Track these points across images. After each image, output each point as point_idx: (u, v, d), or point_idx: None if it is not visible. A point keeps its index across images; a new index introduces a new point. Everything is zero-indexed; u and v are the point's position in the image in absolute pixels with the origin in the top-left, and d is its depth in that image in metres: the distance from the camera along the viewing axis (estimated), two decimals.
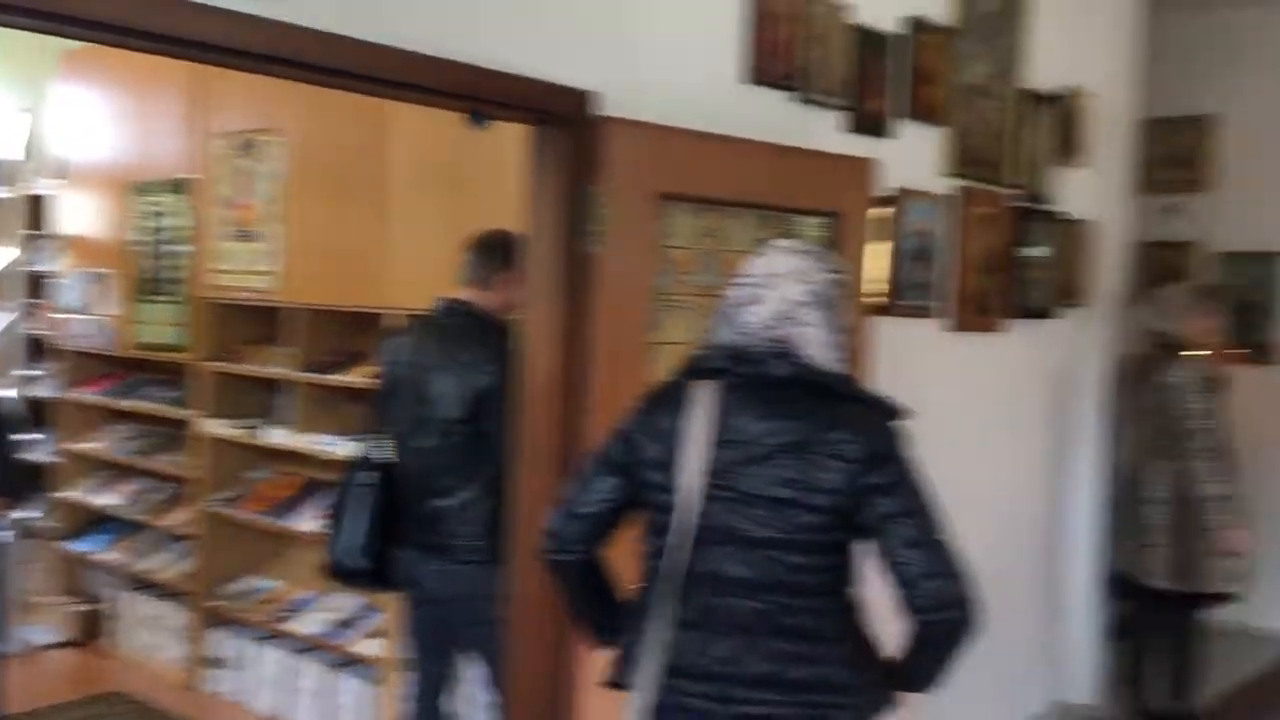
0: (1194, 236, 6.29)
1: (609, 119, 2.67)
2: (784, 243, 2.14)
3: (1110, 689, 4.87)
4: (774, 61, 3.22)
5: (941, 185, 3.94)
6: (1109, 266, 4.88)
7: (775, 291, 1.97)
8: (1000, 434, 4.37)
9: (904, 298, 3.79)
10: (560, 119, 2.66)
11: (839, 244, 3.18)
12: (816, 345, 1.95)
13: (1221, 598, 4.47)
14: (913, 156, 3.78)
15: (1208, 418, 4.36)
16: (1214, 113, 6.24)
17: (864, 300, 3.36)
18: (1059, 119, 4.46)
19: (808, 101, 3.33)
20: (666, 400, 2.03)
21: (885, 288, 3.69)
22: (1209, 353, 4.51)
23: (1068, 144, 4.53)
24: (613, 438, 2.09)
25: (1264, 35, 6.09)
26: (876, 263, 3.56)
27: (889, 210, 3.65)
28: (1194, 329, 4.48)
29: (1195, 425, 4.33)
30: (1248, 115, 6.14)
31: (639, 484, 2.01)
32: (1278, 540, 5.78)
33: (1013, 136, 4.24)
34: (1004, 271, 4.24)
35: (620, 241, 2.68)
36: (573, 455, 2.60)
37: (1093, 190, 4.72)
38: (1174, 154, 6.26)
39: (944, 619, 1.90)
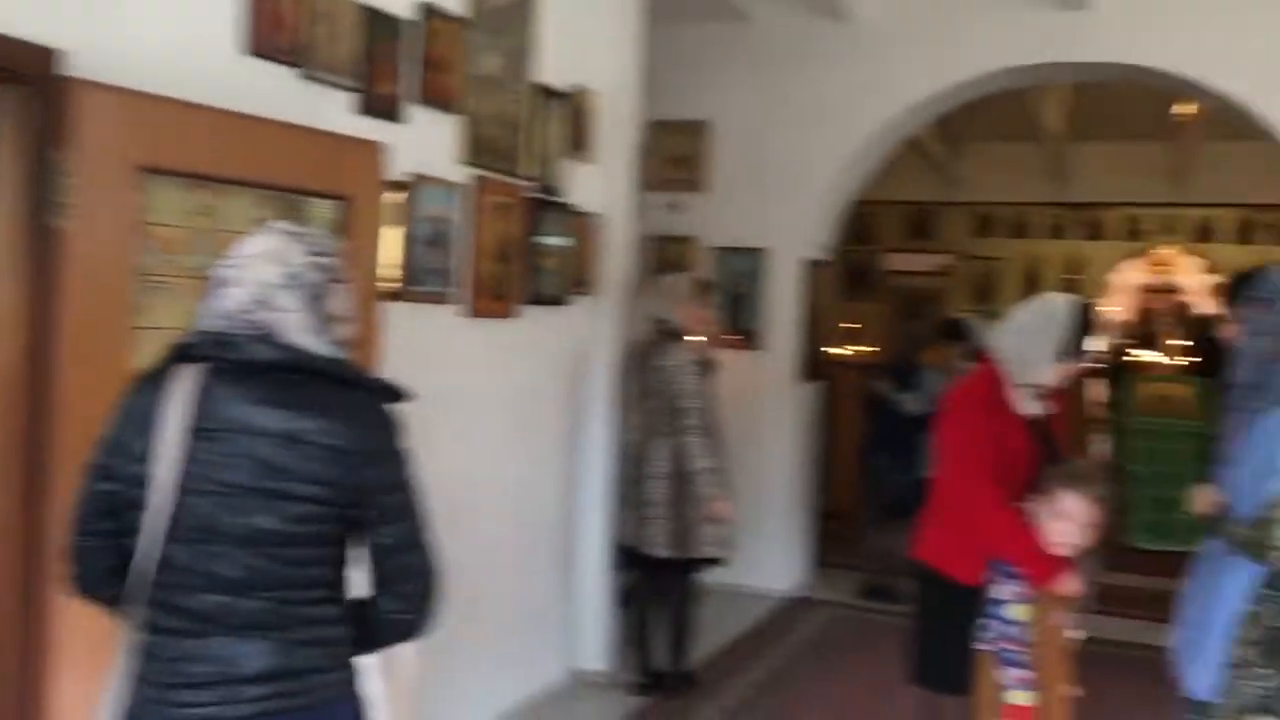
0: (693, 232, 6.86)
1: (78, 80, 2.42)
2: (277, 224, 2.04)
3: (620, 654, 5.20)
4: (277, 34, 3.08)
5: (457, 173, 3.98)
6: (617, 257, 5.19)
7: (250, 274, 1.87)
8: (516, 416, 4.52)
9: (418, 284, 3.79)
10: (21, 78, 2.37)
11: (350, 228, 3.11)
12: (298, 330, 1.87)
13: (712, 562, 4.92)
14: (427, 143, 3.78)
15: (700, 398, 4.78)
16: (708, 118, 6.84)
17: (376, 285, 3.32)
18: (569, 115, 4.67)
19: (313, 79, 3.23)
20: (148, 389, 1.87)
21: (399, 273, 3.66)
22: (703, 338, 4.94)
23: (577, 140, 4.75)
24: (101, 437, 1.89)
25: (749, 46, 6.73)
26: (389, 248, 3.53)
27: (402, 196, 3.63)
28: (690, 317, 4.88)
29: (689, 405, 4.73)
30: (735, 121, 6.78)
31: (126, 481, 1.83)
32: (758, 509, 6.51)
33: (526, 129, 4.38)
34: (519, 260, 4.38)
35: (93, 216, 2.44)
36: (39, 461, 2.33)
37: (601, 185, 4.99)
38: (675, 155, 6.81)
39: (404, 619, 1.94)
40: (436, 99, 3.81)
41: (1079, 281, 13.60)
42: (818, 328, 7.03)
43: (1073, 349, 3.17)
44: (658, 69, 5.76)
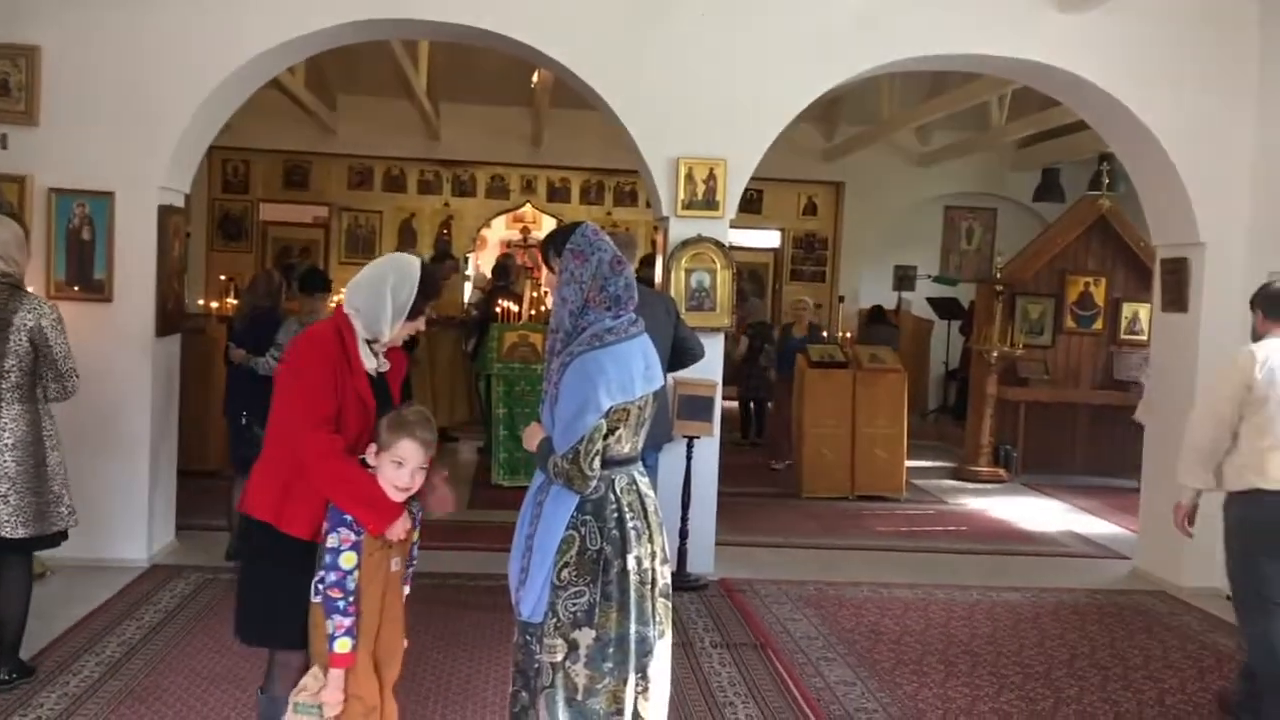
0: (20, 170, 6.08)
1: None
2: None
3: None
4: None
5: None
6: None
7: None
8: None
9: None
10: None
11: None
12: None
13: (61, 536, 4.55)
14: None
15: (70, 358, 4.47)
16: (39, 43, 6.07)
17: None
18: None
19: None
20: None
21: None
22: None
23: None
24: None
25: None
26: None
27: None
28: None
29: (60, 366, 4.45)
30: (74, 50, 6.10)
31: None
32: (112, 475, 6.05)
33: None
34: None
35: None
36: None
37: None
38: None
39: None
40: None
41: (451, 235, 14.23)
42: (176, 278, 6.60)
43: (414, 310, 3.29)
44: None
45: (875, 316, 12.48)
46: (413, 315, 3.30)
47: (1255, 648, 4.45)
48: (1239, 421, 4.44)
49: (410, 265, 3.33)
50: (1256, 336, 4.61)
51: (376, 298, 3.26)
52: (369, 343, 3.28)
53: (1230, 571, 4.53)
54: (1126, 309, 10.90)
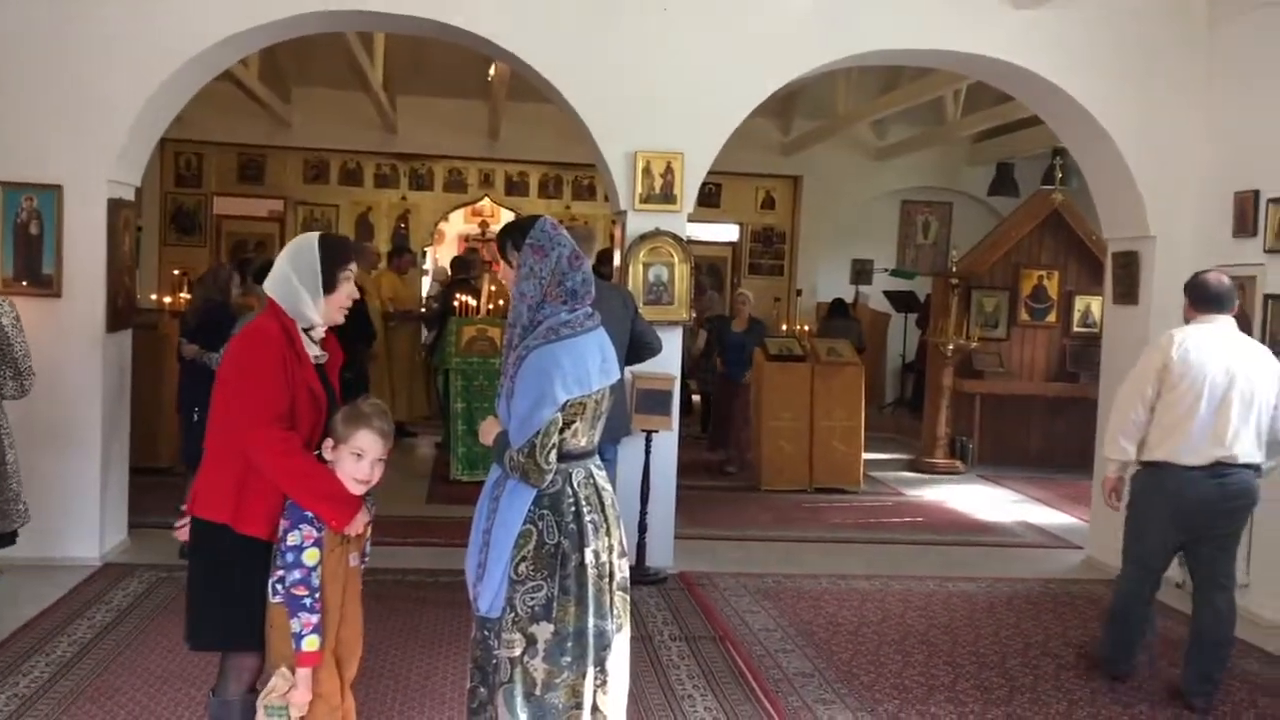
0: None
1: None
2: None
3: None
4: None
5: None
6: None
7: None
8: None
9: None
10: None
11: None
12: None
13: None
14: None
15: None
16: None
17: None
18: None
19: None
20: None
21: None
22: None
23: None
24: None
25: None
26: None
27: None
28: None
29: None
30: (17, 38, 5.99)
31: None
32: (63, 473, 5.96)
33: None
34: None
35: None
36: None
37: None
38: None
39: None
40: None
41: (409, 229, 14.13)
42: (127, 273, 6.50)
43: (327, 281, 3.25)
44: None
45: (836, 310, 12.55)
46: (330, 288, 3.25)
47: (1120, 598, 5.07)
48: (1156, 398, 4.79)
49: (305, 240, 3.31)
50: (1186, 322, 4.95)
51: (285, 282, 3.22)
52: (306, 331, 3.26)
53: (1125, 531, 5.03)
54: (1079, 302, 11.04)
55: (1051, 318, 11.11)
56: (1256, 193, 6.35)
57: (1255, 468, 4.77)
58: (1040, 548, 7.83)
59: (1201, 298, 4.88)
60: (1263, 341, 5.63)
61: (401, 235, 13.97)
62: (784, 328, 12.01)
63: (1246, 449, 4.70)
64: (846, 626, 5.72)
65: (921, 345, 12.78)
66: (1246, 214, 6.41)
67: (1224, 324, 4.84)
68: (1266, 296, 6.20)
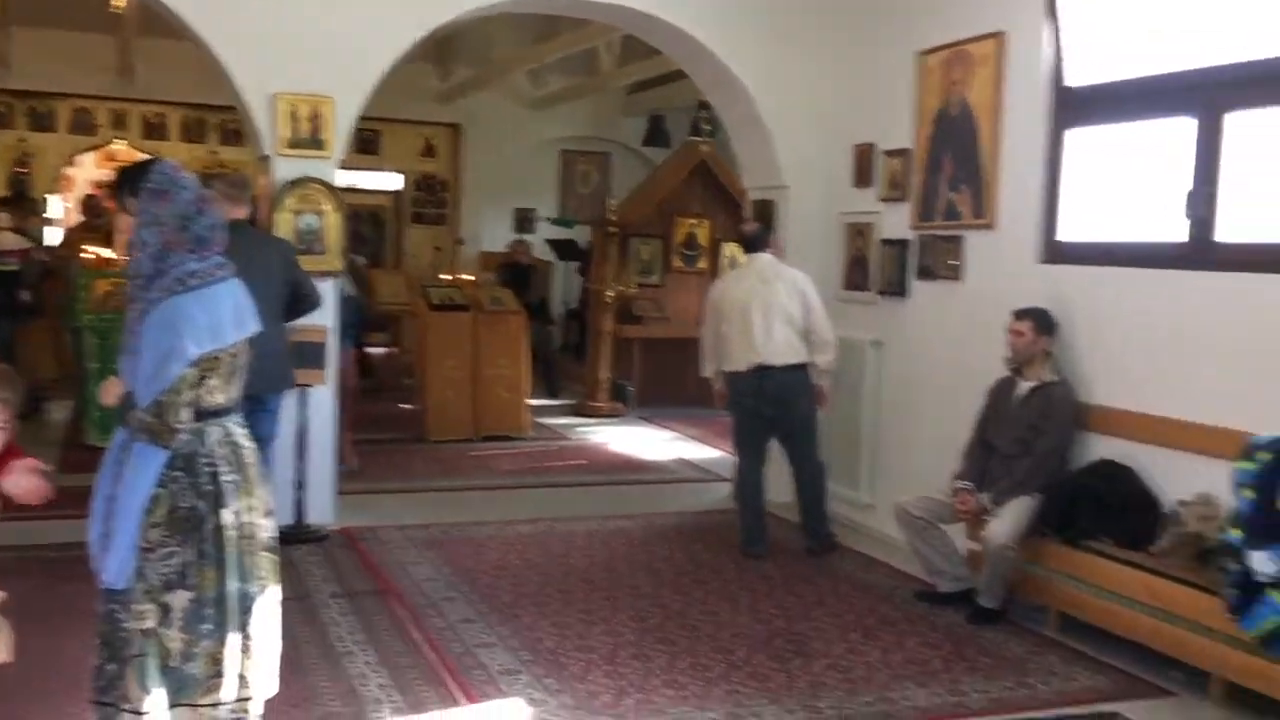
0: None
1: None
2: None
3: None
4: None
5: None
6: None
7: None
8: None
9: None
10: None
11: None
12: None
13: None
14: None
15: None
16: None
17: None
18: None
19: None
20: None
21: None
22: None
23: None
24: None
25: None
26: None
27: None
28: None
29: None
30: None
31: None
32: None
33: None
34: None
35: None
36: None
37: None
38: None
39: None
40: None
41: (31, 174, 12.85)
42: None
43: None
44: None
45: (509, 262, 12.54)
46: None
47: (737, 486, 6.45)
48: (718, 327, 6.27)
49: None
50: None
51: None
52: None
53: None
54: (726, 249, 11.65)
55: (703, 264, 11.66)
56: (872, 145, 6.93)
57: (801, 367, 6.10)
58: (695, 482, 8.28)
59: (739, 242, 6.73)
60: (879, 279, 6.72)
61: (21, 181, 12.66)
62: (444, 277, 11.92)
63: (779, 353, 6.04)
64: (510, 571, 5.81)
65: (584, 292, 13.08)
66: (864, 165, 6.98)
67: (756, 260, 6.29)
68: (882, 241, 6.79)
